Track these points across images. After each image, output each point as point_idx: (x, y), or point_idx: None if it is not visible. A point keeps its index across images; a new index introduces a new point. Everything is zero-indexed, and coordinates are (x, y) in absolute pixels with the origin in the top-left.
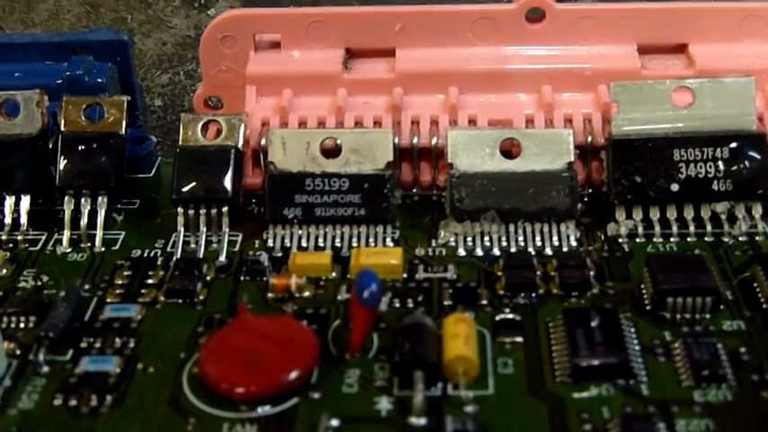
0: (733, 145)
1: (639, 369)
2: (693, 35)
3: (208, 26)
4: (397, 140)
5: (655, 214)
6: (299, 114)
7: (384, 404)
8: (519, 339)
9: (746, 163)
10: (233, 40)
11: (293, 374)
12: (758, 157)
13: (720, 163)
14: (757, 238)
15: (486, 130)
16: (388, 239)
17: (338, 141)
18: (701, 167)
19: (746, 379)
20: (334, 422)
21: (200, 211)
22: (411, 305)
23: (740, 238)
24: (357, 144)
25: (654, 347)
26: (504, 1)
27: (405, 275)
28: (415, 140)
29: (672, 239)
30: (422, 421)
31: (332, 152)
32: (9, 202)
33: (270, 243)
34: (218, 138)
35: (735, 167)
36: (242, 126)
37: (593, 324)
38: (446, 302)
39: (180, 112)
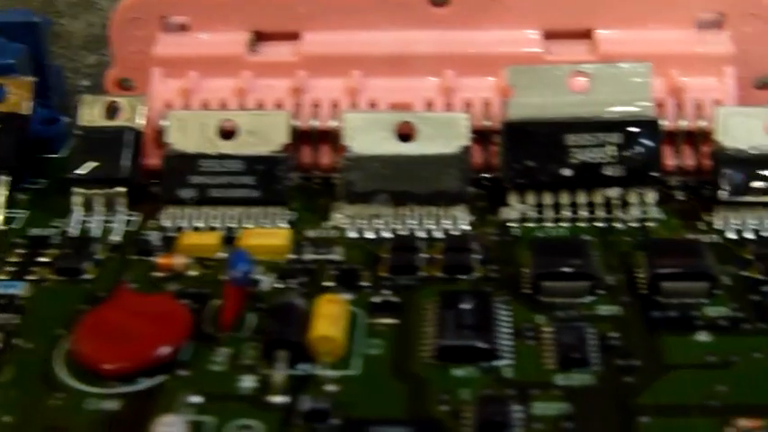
0: (627, 131)
1: (505, 352)
2: (599, 21)
3: (117, 8)
4: (296, 123)
5: (547, 199)
6: (201, 96)
7: (248, 382)
8: (393, 321)
9: (640, 149)
10: (142, 22)
11: (161, 351)
12: (651, 143)
13: (613, 148)
14: (649, 224)
15: (383, 114)
16: (281, 221)
17: (236, 123)
18: (593, 153)
19: (612, 364)
20: (196, 399)
21: (98, 192)
22: (294, 286)
23: (631, 224)
24: (254, 126)
25: (525, 331)
26: None
27: (291, 256)
28: (314, 123)
29: (563, 224)
30: (281, 399)
31: (231, 134)
32: None
33: (165, 223)
34: (119, 119)
35: (628, 153)
36: (142, 108)
37: (465, 307)
38: (328, 283)
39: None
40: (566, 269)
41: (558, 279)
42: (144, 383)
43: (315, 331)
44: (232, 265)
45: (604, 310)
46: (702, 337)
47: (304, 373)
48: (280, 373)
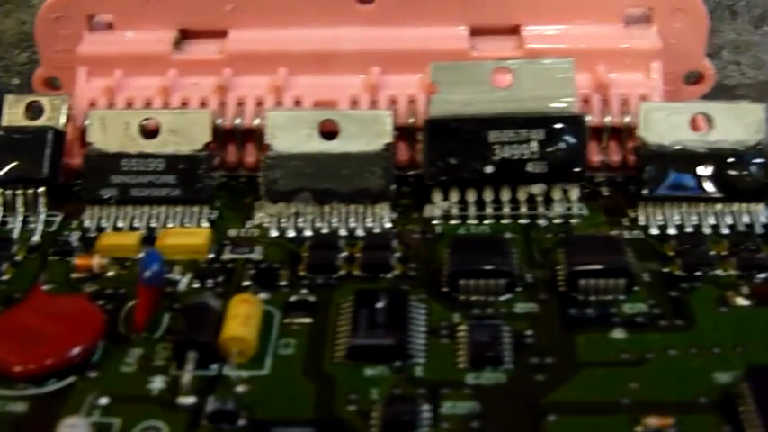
0: (549, 127)
1: (417, 351)
2: (526, 17)
3: (42, 7)
4: (220, 121)
5: (471, 196)
6: (126, 95)
7: (157, 383)
8: (308, 320)
9: (562, 145)
10: (67, 21)
11: (72, 353)
12: (575, 139)
13: (535, 145)
14: (572, 220)
15: (306, 112)
16: (203, 220)
17: (158, 122)
18: (516, 149)
19: (525, 362)
20: (104, 401)
21: (18, 192)
22: (211, 285)
23: (555, 221)
24: (176, 125)
25: (440, 329)
26: None
27: (211, 255)
28: (239, 122)
29: (486, 222)
30: (189, 400)
31: (155, 133)
32: None
33: (87, 223)
34: (41, 119)
35: (550, 149)
36: (64, 107)
37: (379, 305)
38: (245, 283)
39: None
40: (482, 267)
41: (475, 277)
42: (54, 385)
43: (225, 332)
44: (143, 266)
45: (521, 307)
46: (618, 334)
47: (215, 373)
48: (188, 375)
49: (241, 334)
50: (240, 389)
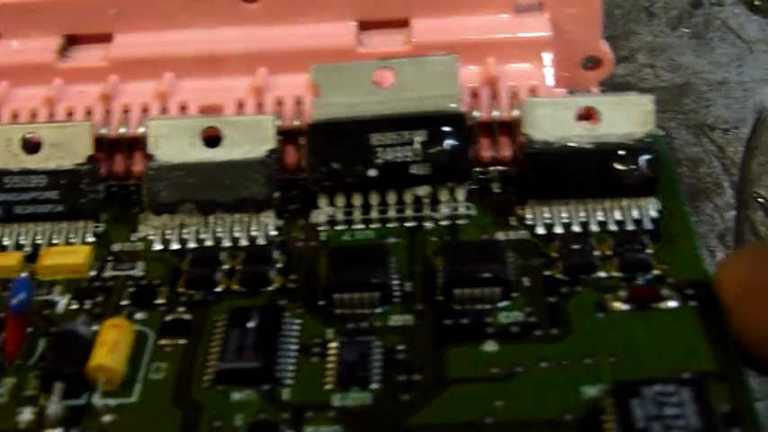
0: (431, 127)
1: (285, 373)
2: (415, 10)
3: None
4: (104, 131)
5: (357, 200)
6: (12, 107)
7: (26, 415)
8: (182, 341)
9: (445, 144)
10: None
11: None
12: (457, 138)
13: (418, 146)
14: (459, 221)
15: (188, 119)
16: (89, 235)
17: (40, 136)
18: (398, 151)
19: (393, 380)
20: None
21: None
22: (89, 306)
23: (442, 222)
24: (57, 139)
25: (312, 347)
26: None
27: (93, 273)
28: (123, 131)
29: (372, 226)
30: None
31: (39, 146)
32: None
33: None
34: None
35: (433, 150)
36: None
37: (251, 324)
38: (124, 302)
39: None
40: (356, 280)
41: (350, 290)
42: None
43: (92, 360)
44: (12, 294)
45: (396, 320)
46: (489, 347)
47: (83, 402)
48: (54, 406)
49: (106, 363)
50: (107, 418)
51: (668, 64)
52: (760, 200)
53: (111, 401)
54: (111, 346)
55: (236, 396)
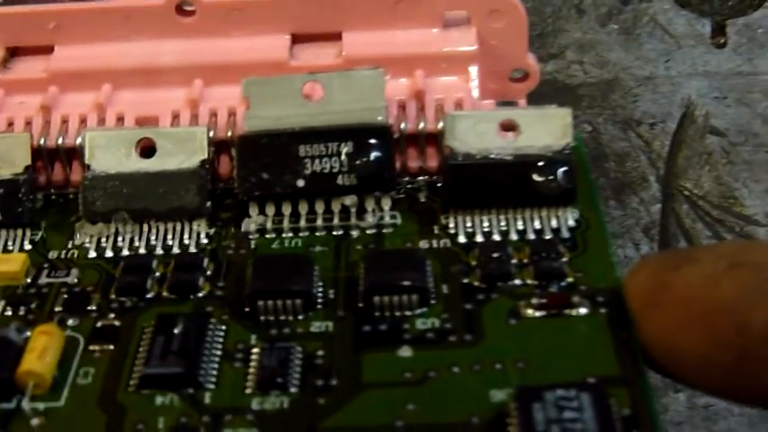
0: (356, 139)
1: (208, 377)
2: (347, 23)
3: None
4: (43, 141)
5: (286, 210)
6: None
7: None
8: (110, 347)
9: (371, 156)
10: None
11: None
12: (382, 149)
13: (345, 157)
14: (384, 230)
15: (123, 131)
16: (26, 242)
17: None
18: (325, 162)
19: (311, 385)
20: None
21: None
22: (22, 313)
23: (368, 231)
24: None
25: (236, 353)
26: None
27: (28, 280)
28: (61, 141)
29: (301, 234)
30: None
31: None
32: None
33: None
34: None
35: (359, 161)
36: None
37: (176, 330)
38: (57, 308)
39: None
40: (279, 288)
41: (272, 298)
42: None
43: (21, 366)
44: None
45: (318, 326)
46: (405, 352)
47: (13, 406)
48: None
49: (35, 368)
50: (35, 422)
51: (597, 60)
52: (685, 193)
53: (40, 405)
54: (40, 351)
55: (159, 400)
